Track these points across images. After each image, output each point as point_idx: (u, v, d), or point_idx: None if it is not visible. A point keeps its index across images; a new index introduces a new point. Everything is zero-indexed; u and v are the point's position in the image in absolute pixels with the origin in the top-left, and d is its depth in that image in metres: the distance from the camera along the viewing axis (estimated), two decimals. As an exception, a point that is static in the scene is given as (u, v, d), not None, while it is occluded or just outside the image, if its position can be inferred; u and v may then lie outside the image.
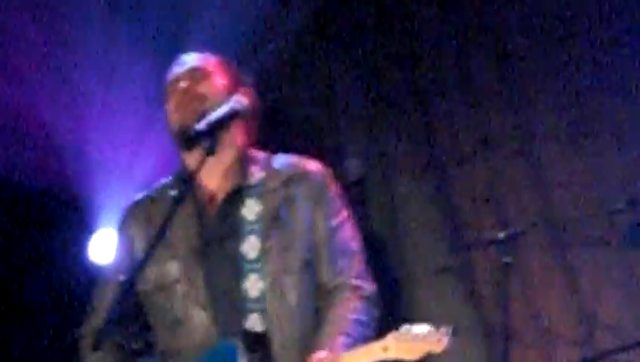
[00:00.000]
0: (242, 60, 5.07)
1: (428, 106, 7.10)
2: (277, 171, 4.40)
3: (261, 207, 4.33)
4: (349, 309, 4.31)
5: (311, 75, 7.24)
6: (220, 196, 4.37)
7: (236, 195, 4.34)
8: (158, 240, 4.04)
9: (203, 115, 4.21)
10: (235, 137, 4.37)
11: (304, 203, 4.38)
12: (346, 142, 7.15)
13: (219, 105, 4.26)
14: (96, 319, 4.37)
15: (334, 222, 4.38)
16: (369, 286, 4.37)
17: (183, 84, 4.34)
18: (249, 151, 4.42)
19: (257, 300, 4.26)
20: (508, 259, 5.65)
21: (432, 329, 3.84)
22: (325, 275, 4.35)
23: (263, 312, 4.26)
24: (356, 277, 4.36)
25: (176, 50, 6.14)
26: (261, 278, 4.27)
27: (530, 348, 6.49)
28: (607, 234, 6.28)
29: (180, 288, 4.30)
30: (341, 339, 4.18)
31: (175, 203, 4.04)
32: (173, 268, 4.34)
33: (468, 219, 6.82)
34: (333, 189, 4.45)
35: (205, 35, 6.87)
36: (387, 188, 7.06)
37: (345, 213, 4.42)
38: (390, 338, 3.87)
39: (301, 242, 4.33)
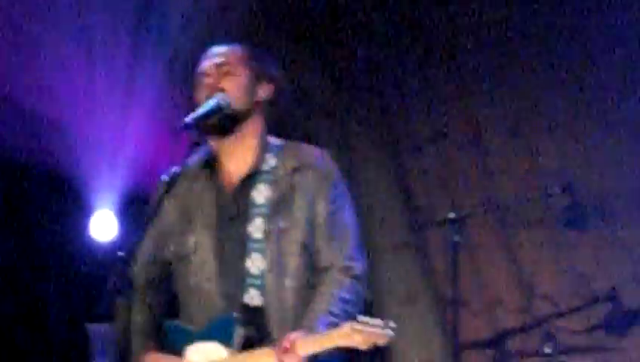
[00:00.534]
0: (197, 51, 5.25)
1: (388, 102, 7.34)
2: (287, 159, 4.58)
3: (270, 193, 4.53)
4: (337, 288, 4.49)
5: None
6: (237, 178, 4.56)
7: (250, 179, 4.54)
8: (151, 219, 4.30)
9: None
10: (257, 126, 4.56)
11: (307, 190, 4.55)
12: (313, 133, 7.21)
13: (240, 100, 4.47)
14: (136, 279, 4.51)
15: (332, 207, 4.55)
16: (359, 267, 4.55)
17: (208, 80, 4.50)
18: (267, 138, 4.61)
19: (257, 277, 4.46)
20: (457, 238, 6.06)
21: (383, 324, 4.14)
22: (320, 256, 4.52)
23: (261, 288, 4.46)
24: (347, 259, 4.54)
25: (154, 26, 6.50)
26: (263, 257, 4.46)
27: (477, 314, 6.88)
28: (544, 216, 6.70)
29: (194, 259, 4.52)
30: (322, 318, 4.37)
31: (166, 185, 4.29)
32: (190, 241, 4.55)
33: (423, 201, 7.17)
34: (335, 177, 4.62)
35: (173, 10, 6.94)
36: (352, 174, 7.11)
37: (343, 200, 4.61)
38: (348, 328, 4.14)
39: (301, 227, 4.51)
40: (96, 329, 5.72)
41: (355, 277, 4.51)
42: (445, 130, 7.17)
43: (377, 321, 4.13)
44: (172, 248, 4.58)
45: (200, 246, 4.53)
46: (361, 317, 4.14)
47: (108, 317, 4.14)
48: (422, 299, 7.18)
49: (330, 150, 5.63)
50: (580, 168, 6.77)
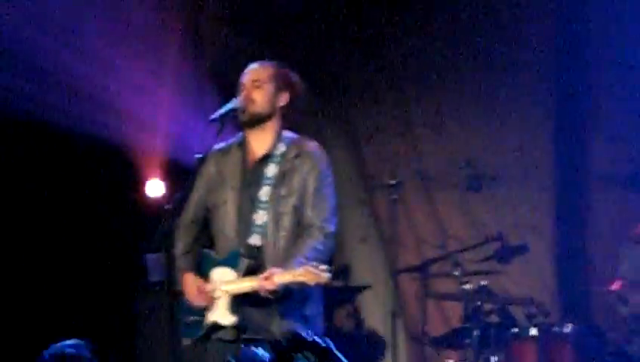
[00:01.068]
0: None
1: (349, 102, 8.01)
2: (292, 148, 4.99)
3: (277, 170, 4.97)
4: (313, 240, 4.87)
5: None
6: (257, 156, 5.00)
7: (265, 159, 4.97)
8: (195, 179, 4.77)
9: (248, 113, 4.89)
10: (275, 123, 5.03)
11: (303, 171, 4.97)
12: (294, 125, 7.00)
13: (264, 107, 4.93)
14: (185, 217, 5.01)
15: (319, 185, 4.96)
16: (331, 228, 4.92)
17: (245, 91, 4.96)
18: (282, 132, 5.03)
19: (260, 226, 4.92)
20: (395, 196, 6.95)
21: (325, 269, 4.62)
22: (305, 217, 4.92)
23: (262, 235, 4.91)
24: (324, 221, 4.92)
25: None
26: (266, 213, 4.92)
27: (408, 249, 7.68)
28: (454, 181, 7.52)
29: (223, 209, 4.99)
30: (298, 259, 4.76)
31: (199, 162, 4.72)
32: (223, 196, 5.00)
33: (372, 171, 7.88)
34: (324, 162, 5.05)
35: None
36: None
37: (327, 180, 5.02)
38: (303, 269, 4.61)
39: (295, 195, 4.92)
40: (151, 257, 6.48)
41: (327, 235, 4.92)
42: (383, 124, 7.81)
43: (322, 267, 4.64)
44: (210, 198, 5.00)
45: (227, 201, 4.99)
46: (313, 263, 4.64)
47: (160, 248, 4.64)
48: (371, 239, 7.91)
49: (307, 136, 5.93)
50: (479, 147, 7.57)
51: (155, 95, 7.20)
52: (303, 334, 2.71)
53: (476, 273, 6.79)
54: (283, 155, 4.94)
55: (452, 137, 7.65)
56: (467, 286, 6.69)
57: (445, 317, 7.43)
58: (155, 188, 7.50)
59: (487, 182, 7.28)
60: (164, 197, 7.44)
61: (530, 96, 7.43)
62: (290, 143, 4.97)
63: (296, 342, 2.65)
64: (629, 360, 6.00)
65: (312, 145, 5.03)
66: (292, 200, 4.88)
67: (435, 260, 7.22)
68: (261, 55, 5.37)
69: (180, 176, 5.93)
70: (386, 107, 7.78)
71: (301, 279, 4.54)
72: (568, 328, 6.38)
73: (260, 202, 4.87)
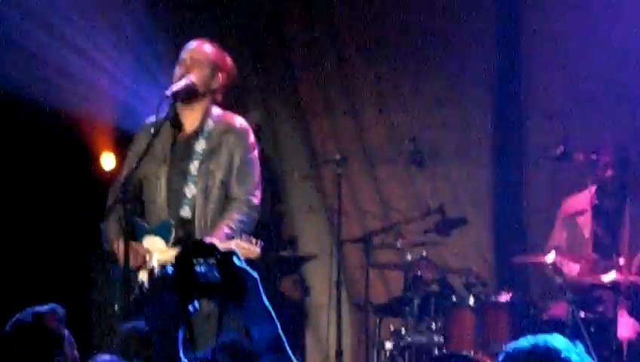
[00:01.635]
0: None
1: (298, 80, 8.00)
2: (220, 124, 5.26)
3: (206, 145, 5.23)
4: (237, 211, 5.14)
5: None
6: (187, 132, 5.30)
7: (195, 135, 5.27)
8: (144, 154, 5.08)
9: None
10: (206, 102, 5.29)
11: (230, 145, 5.23)
12: (247, 100, 7.71)
13: (200, 85, 5.18)
14: (117, 187, 5.17)
15: (245, 158, 5.24)
16: (255, 201, 5.22)
17: (183, 67, 5.23)
18: (211, 109, 5.29)
19: (190, 199, 5.21)
20: (340, 171, 6.93)
21: (255, 243, 4.86)
22: (232, 190, 5.22)
23: (192, 207, 5.19)
24: (248, 194, 5.20)
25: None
26: (195, 186, 5.21)
27: (352, 220, 7.73)
28: (397, 157, 7.60)
29: (154, 182, 5.25)
30: (224, 229, 5.06)
31: (153, 135, 5.03)
32: (153, 168, 5.25)
33: (319, 148, 7.93)
34: (249, 138, 5.33)
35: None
36: (274, 131, 7.95)
37: (252, 154, 5.30)
38: (234, 243, 4.85)
39: (222, 169, 5.19)
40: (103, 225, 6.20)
41: (251, 207, 5.21)
42: (331, 102, 7.87)
43: (253, 240, 4.93)
44: (142, 170, 5.18)
45: (158, 173, 5.22)
46: (245, 238, 4.93)
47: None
48: (318, 210, 7.97)
49: (258, 114, 6.78)
50: (420, 125, 7.68)
51: (107, 65, 7.19)
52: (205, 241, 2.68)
53: (417, 244, 6.90)
54: (211, 132, 5.18)
55: (395, 115, 7.74)
56: (408, 257, 6.81)
57: (387, 285, 7.50)
58: (108, 161, 7.55)
59: (429, 158, 7.32)
60: (117, 168, 7.12)
61: (471, 75, 7.55)
62: (218, 120, 5.20)
63: (195, 246, 2.61)
64: (562, 326, 6.14)
65: (239, 122, 5.26)
66: (220, 175, 5.13)
67: (378, 232, 7.28)
68: (211, 28, 5.50)
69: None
70: (332, 84, 7.84)
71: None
72: (504, 297, 6.54)
73: (190, 176, 5.13)
